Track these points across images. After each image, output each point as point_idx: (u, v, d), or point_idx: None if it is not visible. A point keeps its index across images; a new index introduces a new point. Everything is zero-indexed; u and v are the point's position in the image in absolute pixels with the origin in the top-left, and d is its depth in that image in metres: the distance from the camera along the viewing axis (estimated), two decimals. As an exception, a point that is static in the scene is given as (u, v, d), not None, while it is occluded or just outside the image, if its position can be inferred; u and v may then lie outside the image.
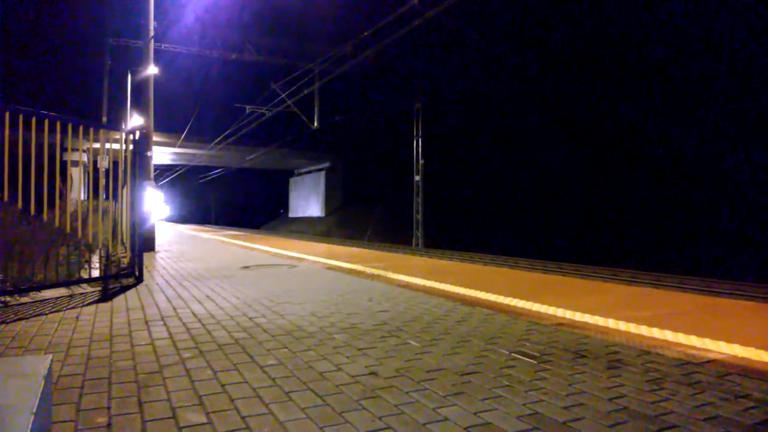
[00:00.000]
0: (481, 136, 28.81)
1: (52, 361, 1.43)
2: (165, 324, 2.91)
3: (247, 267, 5.88)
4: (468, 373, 2.03)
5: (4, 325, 2.90)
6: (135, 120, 19.76)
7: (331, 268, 5.78)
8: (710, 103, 19.74)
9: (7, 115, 3.60)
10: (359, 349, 2.38)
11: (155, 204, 25.59)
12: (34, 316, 3.17)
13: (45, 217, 3.97)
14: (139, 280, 4.66)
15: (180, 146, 34.44)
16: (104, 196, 4.62)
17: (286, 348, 2.40)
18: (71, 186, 4.52)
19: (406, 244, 23.74)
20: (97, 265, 4.47)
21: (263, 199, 57.36)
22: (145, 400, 1.75)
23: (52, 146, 3.94)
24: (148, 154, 8.75)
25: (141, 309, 3.37)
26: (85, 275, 4.29)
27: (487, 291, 4.02)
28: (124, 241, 4.89)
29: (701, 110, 19.92)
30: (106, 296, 3.88)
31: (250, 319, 3.04)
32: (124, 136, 4.75)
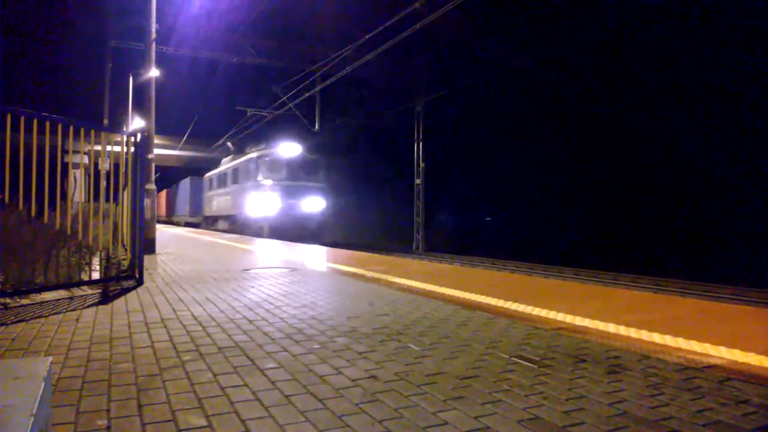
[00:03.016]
0: (482, 138, 28.83)
1: (51, 363, 1.43)
2: (165, 326, 2.91)
3: (247, 270, 5.88)
4: (468, 377, 2.03)
5: (3, 327, 2.90)
6: (136, 122, 19.80)
7: (331, 271, 5.78)
8: (713, 105, 19.75)
9: (8, 117, 3.61)
10: (359, 353, 2.38)
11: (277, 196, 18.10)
12: (34, 318, 3.17)
13: (46, 219, 3.98)
14: (140, 282, 4.66)
15: (181, 149, 34.44)
16: (105, 199, 4.62)
17: (286, 351, 2.40)
18: (72, 188, 4.52)
19: (407, 247, 23.72)
20: (98, 267, 4.47)
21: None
22: (145, 402, 1.75)
23: (53, 148, 3.95)
24: (149, 156, 8.78)
25: (141, 311, 3.37)
26: (85, 277, 4.29)
27: (488, 295, 4.01)
28: (125, 243, 4.89)
29: (703, 112, 19.94)
30: (106, 298, 3.88)
31: (250, 321, 3.04)
32: (125, 139, 4.76)
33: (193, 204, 30.67)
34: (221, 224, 23.28)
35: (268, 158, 19.06)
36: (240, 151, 24.15)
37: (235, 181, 21.14)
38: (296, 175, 19.14)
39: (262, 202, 18.21)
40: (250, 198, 18.89)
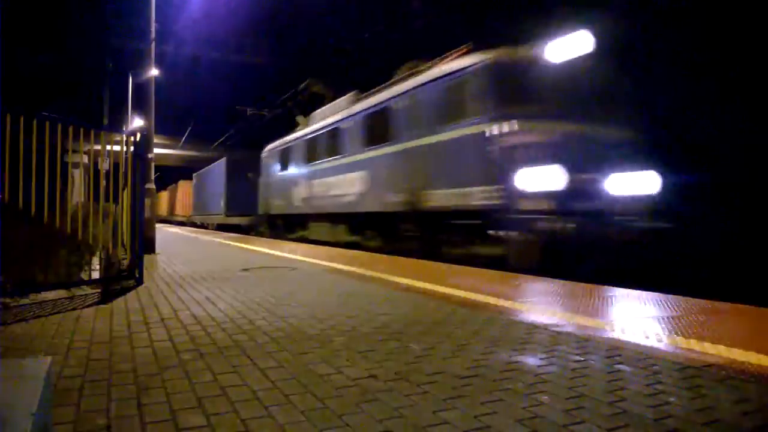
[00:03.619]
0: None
1: (51, 362, 1.44)
2: (165, 326, 2.91)
3: (246, 269, 5.88)
4: (468, 376, 2.03)
5: (4, 327, 2.90)
6: (136, 122, 19.84)
7: (331, 270, 5.78)
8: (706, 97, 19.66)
9: (8, 117, 3.61)
10: (359, 352, 2.38)
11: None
12: (34, 317, 3.17)
13: (46, 218, 3.98)
14: (139, 282, 4.66)
15: (181, 148, 34.48)
16: (105, 198, 4.62)
17: (286, 350, 2.40)
18: (72, 188, 4.52)
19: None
20: (98, 266, 4.47)
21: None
22: (145, 402, 1.75)
23: (52, 148, 3.95)
24: (149, 156, 8.78)
25: (141, 311, 3.37)
26: (85, 277, 4.30)
27: (488, 294, 4.02)
28: (125, 242, 4.89)
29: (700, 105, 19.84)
30: (106, 298, 3.89)
31: (250, 321, 3.04)
32: (124, 138, 4.76)
33: (235, 197, 19.87)
34: (332, 232, 11.60)
35: (512, 68, 7.18)
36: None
37: (393, 135, 9.06)
38: (594, 111, 6.96)
39: (509, 178, 6.53)
40: (465, 171, 7.31)
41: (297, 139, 13.79)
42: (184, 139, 32.28)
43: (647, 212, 6.67)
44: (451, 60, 8.17)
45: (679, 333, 2.73)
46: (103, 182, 4.56)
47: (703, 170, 7.93)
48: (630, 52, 8.37)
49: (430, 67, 8.83)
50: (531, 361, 2.24)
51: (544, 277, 5.14)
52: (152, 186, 8.86)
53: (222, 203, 20.59)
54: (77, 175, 4.54)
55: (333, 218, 11.36)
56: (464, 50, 8.19)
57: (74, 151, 4.51)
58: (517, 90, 6.94)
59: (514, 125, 6.66)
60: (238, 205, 19.47)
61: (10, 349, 2.45)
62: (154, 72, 9.41)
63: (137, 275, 4.69)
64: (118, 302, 3.71)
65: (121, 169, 4.74)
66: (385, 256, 8.15)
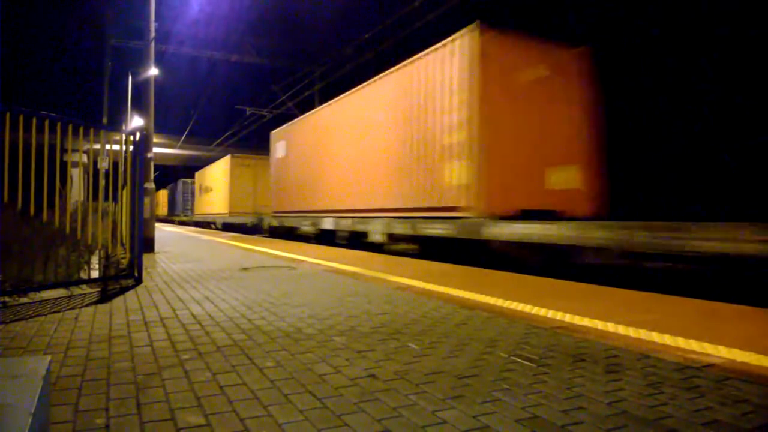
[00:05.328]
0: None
1: (50, 361, 1.43)
2: (164, 325, 2.91)
3: (246, 269, 5.88)
4: (467, 376, 2.03)
5: (3, 326, 2.90)
6: (135, 121, 19.83)
7: (330, 270, 5.78)
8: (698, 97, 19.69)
9: (7, 115, 3.61)
10: (358, 352, 2.38)
11: None
12: (33, 316, 3.17)
13: (45, 217, 3.97)
14: (139, 281, 4.66)
15: (180, 147, 34.49)
16: (104, 197, 4.62)
17: (285, 350, 2.40)
18: (71, 187, 4.52)
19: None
20: (97, 266, 4.47)
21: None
22: (144, 401, 1.74)
23: (52, 147, 3.94)
24: (148, 155, 8.78)
25: (140, 310, 3.36)
26: (84, 276, 4.29)
27: (486, 294, 4.02)
28: (124, 242, 4.89)
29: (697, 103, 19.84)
30: (105, 297, 3.88)
31: (249, 320, 3.04)
32: (124, 138, 4.76)
33: None
34: None
35: None
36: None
37: None
38: None
39: None
40: None
41: None
42: (183, 137, 32.26)
43: None
44: None
45: (679, 333, 2.73)
46: (102, 181, 4.56)
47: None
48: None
49: None
50: (529, 360, 2.24)
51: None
52: (152, 185, 8.86)
53: None
54: (76, 174, 4.54)
55: None
56: None
57: (74, 150, 4.51)
58: None
59: None
60: None
61: (9, 348, 2.45)
62: (153, 71, 9.40)
63: (136, 274, 4.69)
64: (117, 301, 3.71)
65: (121, 169, 4.74)
66: (383, 255, 8.14)
